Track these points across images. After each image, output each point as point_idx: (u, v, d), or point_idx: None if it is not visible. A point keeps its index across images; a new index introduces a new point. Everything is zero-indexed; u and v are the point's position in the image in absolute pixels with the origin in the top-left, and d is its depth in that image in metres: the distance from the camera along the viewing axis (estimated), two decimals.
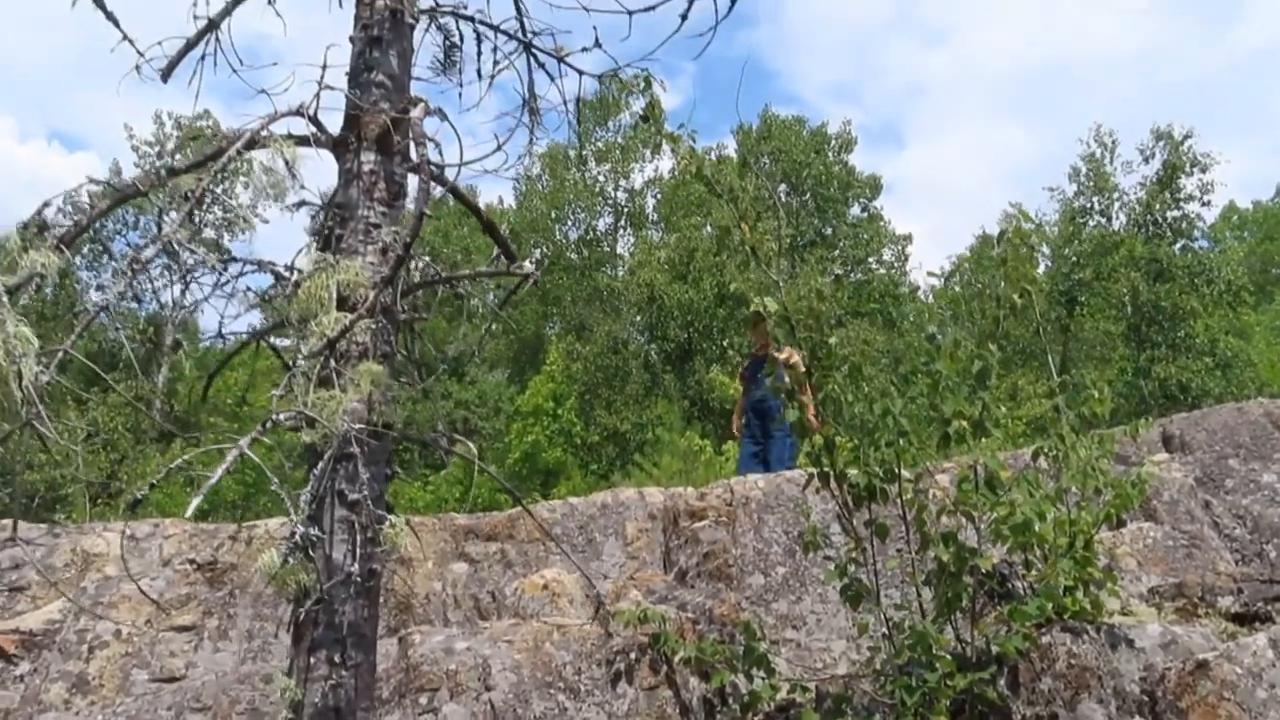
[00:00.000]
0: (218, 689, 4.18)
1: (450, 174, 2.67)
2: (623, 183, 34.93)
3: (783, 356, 6.06)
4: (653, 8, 3.16)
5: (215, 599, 5.07)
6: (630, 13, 3.14)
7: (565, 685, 3.91)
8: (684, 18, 3.08)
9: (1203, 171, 30.28)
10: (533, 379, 29.31)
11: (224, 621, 5.03)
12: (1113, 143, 32.44)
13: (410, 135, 2.53)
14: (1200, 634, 3.64)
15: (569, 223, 35.13)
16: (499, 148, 2.80)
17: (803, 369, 5.63)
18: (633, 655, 4.05)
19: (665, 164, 34.03)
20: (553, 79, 3.21)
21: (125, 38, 2.54)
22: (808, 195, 35.99)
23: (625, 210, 35.19)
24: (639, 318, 31.82)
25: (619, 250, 35.52)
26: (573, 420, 27.67)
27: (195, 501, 1.95)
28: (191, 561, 5.17)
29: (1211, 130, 67.04)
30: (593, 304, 31.81)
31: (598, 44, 3.15)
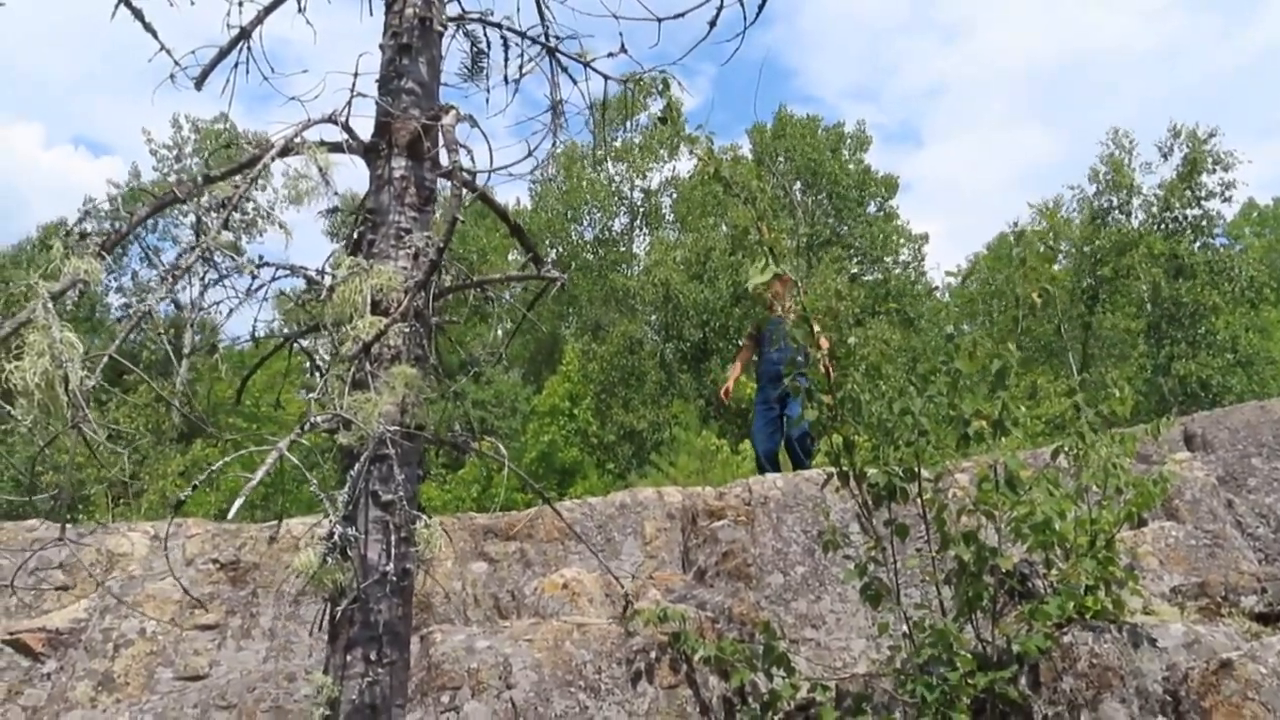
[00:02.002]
0: (242, 687, 4.22)
1: (480, 179, 2.69)
2: (639, 182, 34.94)
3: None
4: (682, 15, 3.18)
5: (238, 598, 5.12)
6: (660, 20, 3.16)
7: (586, 684, 3.93)
8: (713, 24, 3.10)
9: (1225, 170, 30.00)
10: (549, 379, 29.35)
11: (247, 620, 5.07)
12: (1131, 144, 32.23)
13: (443, 142, 2.56)
14: (1223, 633, 3.63)
15: (585, 223, 35.16)
16: (530, 154, 2.83)
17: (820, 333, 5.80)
18: (653, 654, 4.07)
19: (683, 165, 34.03)
20: (575, 82, 3.24)
21: (163, 48, 2.59)
22: (823, 194, 35.91)
23: (641, 210, 35.19)
24: (654, 317, 31.82)
25: (635, 250, 35.53)
26: (589, 420, 27.69)
27: (238, 503, 1.98)
28: (214, 561, 5.22)
29: (1231, 127, 66.45)
30: (609, 304, 31.82)
31: (623, 49, 3.17)
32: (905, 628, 3.82)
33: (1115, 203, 32.30)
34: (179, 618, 4.91)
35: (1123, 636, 3.52)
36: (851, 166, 36.16)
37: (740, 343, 7.39)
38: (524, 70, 3.13)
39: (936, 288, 36.24)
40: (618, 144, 33.52)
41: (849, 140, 36.58)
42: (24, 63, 56.48)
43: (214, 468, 2.15)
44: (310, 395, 2.30)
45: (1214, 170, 30.17)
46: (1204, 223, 31.15)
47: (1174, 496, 5.19)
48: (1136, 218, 32.05)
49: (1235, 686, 3.23)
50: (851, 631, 4.78)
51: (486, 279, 2.84)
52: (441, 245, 2.36)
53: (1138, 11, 70.26)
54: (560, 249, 34.35)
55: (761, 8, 3.07)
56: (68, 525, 5.56)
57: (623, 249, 35.37)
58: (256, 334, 2.69)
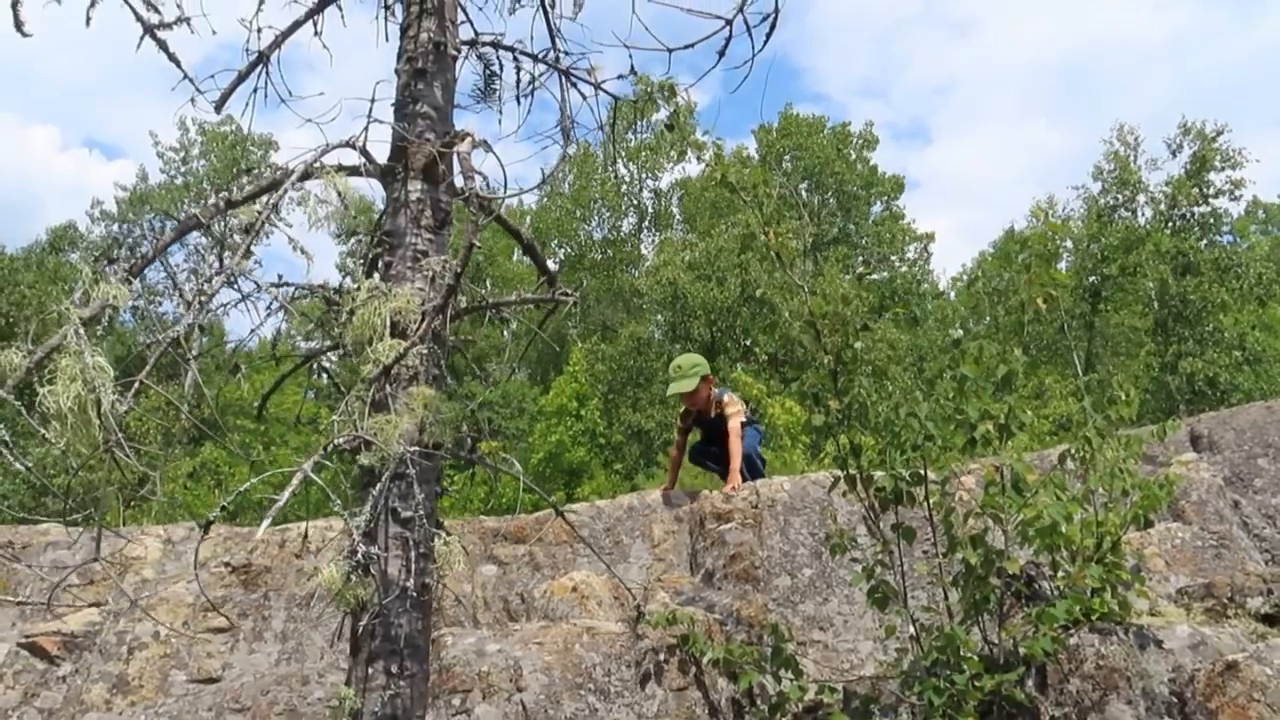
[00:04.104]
0: (256, 690, 4.26)
1: (495, 203, 2.74)
2: (649, 182, 34.98)
3: (728, 406, 6.08)
4: (691, 45, 3.24)
5: (250, 601, 5.16)
6: (670, 50, 3.21)
7: (595, 686, 3.96)
8: (721, 54, 3.15)
9: (1233, 168, 29.88)
10: (556, 380, 29.39)
11: (259, 623, 5.11)
12: (1136, 140, 32.13)
13: (460, 169, 2.61)
14: (1229, 635, 3.65)
15: (593, 222, 35.21)
16: (544, 180, 2.88)
17: (743, 415, 5.98)
18: (661, 657, 4.10)
19: (691, 167, 34.08)
20: (584, 98, 3.29)
21: (186, 77, 2.65)
22: (830, 194, 35.91)
23: (650, 212, 35.22)
24: (660, 316, 31.83)
25: (643, 251, 35.57)
26: (596, 420, 27.71)
27: (265, 522, 2.02)
28: (226, 564, 5.26)
29: (1243, 121, 65.70)
30: (616, 304, 31.85)
31: (633, 71, 3.23)
32: (912, 630, 3.85)
33: (1121, 200, 32.20)
34: (192, 621, 4.96)
35: (1129, 638, 3.55)
36: (859, 166, 36.15)
37: (673, 442, 6.83)
38: (535, 88, 3.19)
39: (943, 293, 36.25)
40: (630, 141, 33.48)
41: (855, 139, 36.57)
42: (39, 66, 56.88)
43: (243, 488, 2.20)
44: (334, 417, 2.34)
45: (1221, 168, 30.07)
46: (1211, 220, 31.06)
47: (1180, 498, 5.21)
48: (1143, 215, 31.96)
49: (1241, 688, 3.26)
50: (859, 634, 4.81)
51: (502, 301, 2.90)
52: (459, 270, 2.42)
53: (1147, 4, 69.96)
54: (569, 249, 34.38)
55: (769, 37, 3.12)
56: (80, 528, 5.61)
57: (630, 248, 35.40)
58: (276, 351, 2.75)
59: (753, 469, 6.21)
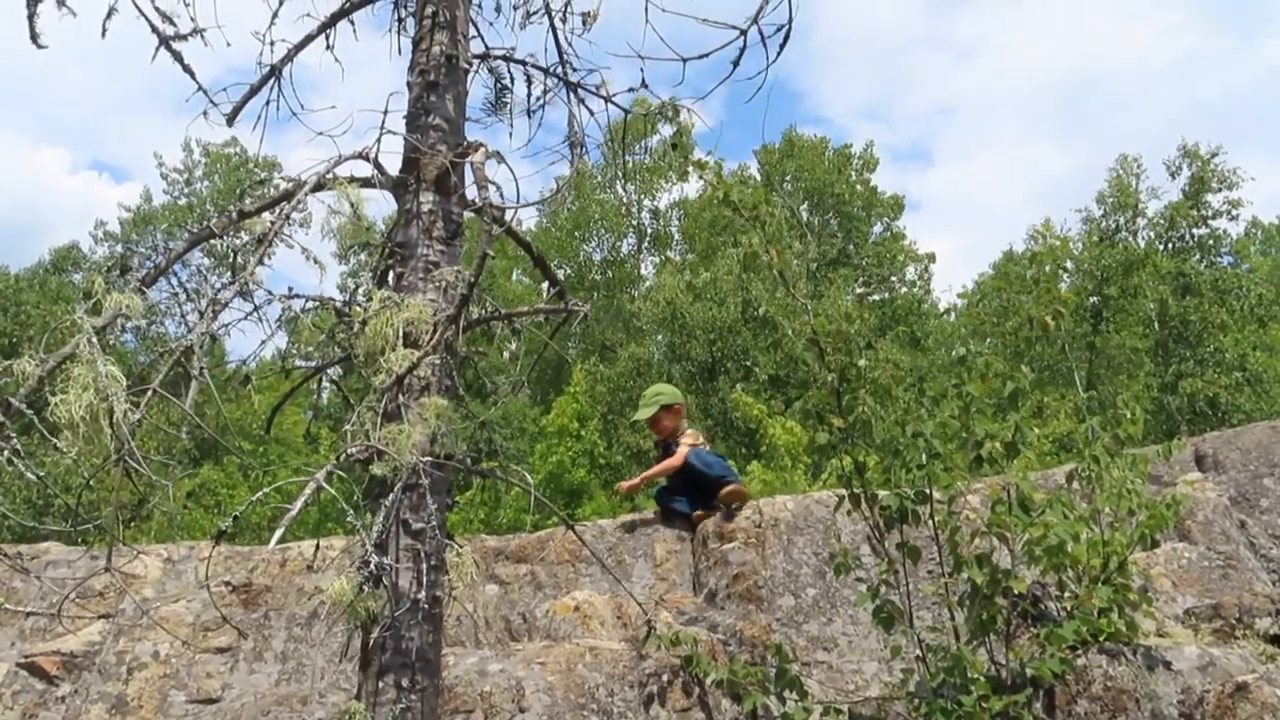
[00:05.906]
0: (256, 710, 4.22)
1: (508, 215, 2.75)
2: (647, 203, 35.09)
3: (683, 438, 6.08)
4: (705, 55, 3.26)
5: (250, 620, 5.13)
6: (684, 60, 3.23)
7: (599, 707, 3.93)
8: (736, 64, 3.17)
9: (1230, 189, 30.03)
10: (557, 400, 29.34)
11: (259, 643, 5.08)
12: (1140, 169, 32.31)
13: (473, 179, 2.63)
14: (1238, 655, 3.62)
15: (593, 243, 35.30)
16: (558, 190, 2.91)
17: (697, 441, 5.97)
18: (665, 677, 4.07)
19: (691, 188, 34.18)
20: (593, 113, 3.31)
21: (200, 88, 2.66)
22: (830, 215, 36.03)
23: (649, 233, 35.31)
24: (660, 336, 31.84)
25: (643, 272, 35.64)
26: (596, 441, 27.64)
27: (278, 534, 2.01)
28: (227, 583, 5.23)
29: (1245, 145, 65.89)
30: (615, 325, 31.87)
31: (644, 84, 3.25)
32: (918, 651, 3.82)
33: (1122, 223, 32.33)
34: (192, 640, 4.93)
35: (1137, 659, 3.52)
36: (859, 187, 36.29)
37: (654, 455, 6.72)
38: (545, 102, 3.21)
39: (947, 311, 36.28)
40: (629, 164, 33.62)
41: (856, 161, 36.73)
42: (49, 90, 57.37)
43: (258, 496, 2.18)
44: (347, 427, 2.33)
45: (1219, 189, 30.22)
46: (1210, 241, 31.17)
47: (1186, 517, 5.18)
48: (1143, 237, 32.07)
49: (1251, 709, 3.23)
50: (864, 654, 4.77)
51: (515, 312, 2.90)
52: (472, 280, 2.42)
53: (1152, 30, 70.28)
54: (568, 270, 34.45)
55: (783, 47, 3.13)
56: (82, 547, 5.59)
57: (629, 267, 35.47)
58: (287, 365, 2.74)
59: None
